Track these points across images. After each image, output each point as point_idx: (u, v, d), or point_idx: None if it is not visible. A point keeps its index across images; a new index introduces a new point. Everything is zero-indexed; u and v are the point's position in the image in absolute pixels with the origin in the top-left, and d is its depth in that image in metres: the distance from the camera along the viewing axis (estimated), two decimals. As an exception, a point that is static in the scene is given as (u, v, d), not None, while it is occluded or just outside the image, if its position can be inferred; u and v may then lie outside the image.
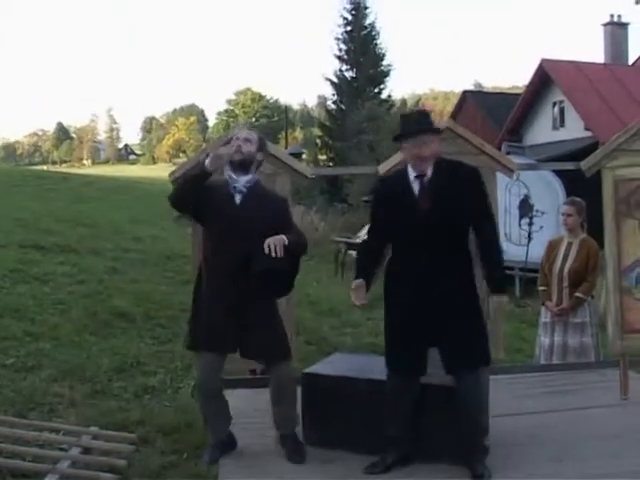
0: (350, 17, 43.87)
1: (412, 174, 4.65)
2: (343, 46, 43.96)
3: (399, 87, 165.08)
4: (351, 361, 5.71)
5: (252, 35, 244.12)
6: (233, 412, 5.79)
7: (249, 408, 6.01)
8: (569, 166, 6.74)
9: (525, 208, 17.32)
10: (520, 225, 17.07)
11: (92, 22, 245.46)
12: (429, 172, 4.62)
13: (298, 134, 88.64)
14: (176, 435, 5.30)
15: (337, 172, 27.94)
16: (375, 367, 5.34)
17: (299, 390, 5.30)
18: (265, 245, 4.56)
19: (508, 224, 17.16)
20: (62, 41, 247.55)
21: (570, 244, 7.07)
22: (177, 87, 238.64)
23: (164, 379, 6.87)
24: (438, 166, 4.63)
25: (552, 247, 7.25)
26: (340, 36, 44.08)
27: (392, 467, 4.80)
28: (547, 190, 17.43)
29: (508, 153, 19.75)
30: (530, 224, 16.68)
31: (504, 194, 17.45)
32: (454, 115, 36.54)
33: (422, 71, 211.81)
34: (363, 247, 5.09)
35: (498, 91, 52.76)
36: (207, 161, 4.66)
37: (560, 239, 7.28)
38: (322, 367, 5.54)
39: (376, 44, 44.04)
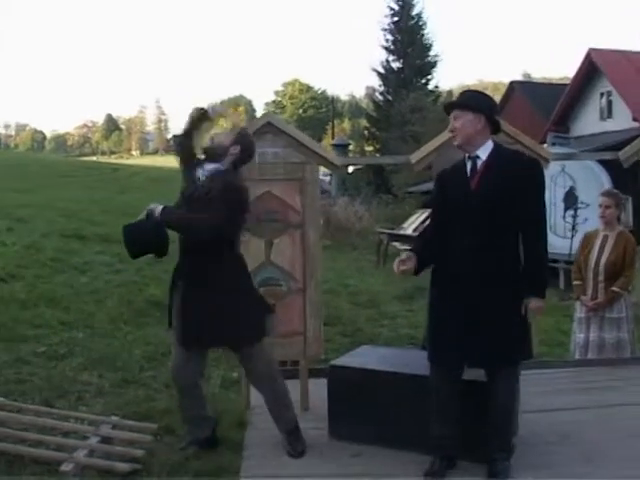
0: (397, 7, 43.65)
1: (466, 155, 4.56)
2: (390, 37, 43.79)
3: (447, 78, 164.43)
4: (378, 354, 5.60)
5: (300, 26, 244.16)
6: (256, 402, 5.78)
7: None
8: (607, 156, 6.59)
9: (570, 200, 17.01)
10: (565, 217, 16.77)
11: (140, 13, 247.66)
12: (483, 155, 4.47)
13: (346, 125, 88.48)
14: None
15: (365, 161, 27.64)
16: (402, 360, 5.27)
17: (326, 383, 5.27)
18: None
19: (553, 216, 16.88)
20: (111, 33, 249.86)
21: (606, 237, 6.89)
22: (225, 78, 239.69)
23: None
24: (495, 151, 4.48)
25: (587, 240, 7.07)
26: (387, 27, 43.93)
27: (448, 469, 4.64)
28: (593, 181, 17.11)
29: (553, 144, 19.48)
30: (574, 216, 16.38)
31: (550, 186, 17.20)
32: (501, 106, 36.11)
33: (471, 62, 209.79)
34: (420, 233, 5.05)
35: (547, 82, 52.06)
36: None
37: (596, 232, 7.09)
38: (349, 359, 5.46)
39: (423, 34, 43.76)
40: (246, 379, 5.57)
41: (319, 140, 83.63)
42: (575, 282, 7.14)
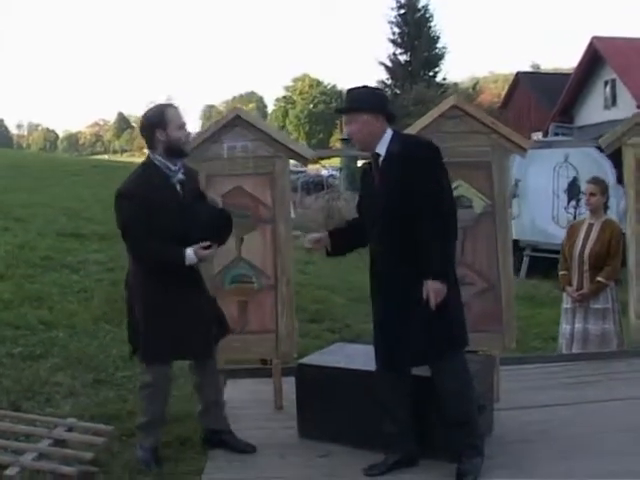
0: (403, 0, 43.42)
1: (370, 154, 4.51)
2: (397, 29, 43.66)
3: (457, 70, 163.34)
4: (350, 351, 5.48)
5: (308, 21, 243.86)
6: (232, 402, 5.70)
7: (249, 398, 5.92)
8: (590, 144, 6.44)
9: (574, 190, 16.87)
10: (567, 208, 16.62)
11: (151, 11, 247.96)
12: (382, 151, 4.38)
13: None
14: (168, 427, 5.12)
15: (338, 153, 27.41)
16: (372, 358, 5.14)
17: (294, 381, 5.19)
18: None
19: (556, 207, 16.78)
20: (122, 31, 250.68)
21: (591, 225, 6.76)
22: (236, 75, 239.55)
23: (172, 370, 6.65)
24: (392, 144, 4.37)
25: (573, 229, 6.95)
26: (393, 19, 43.76)
27: (394, 468, 4.54)
28: (596, 171, 16.93)
29: (556, 134, 19.30)
30: (576, 207, 16.24)
31: (552, 176, 17.07)
32: (507, 97, 35.95)
33: (481, 53, 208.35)
34: (353, 219, 4.91)
35: (557, 72, 51.70)
36: (192, 258, 4.48)
37: (582, 221, 6.98)
38: (317, 358, 5.36)
39: (430, 27, 43.60)
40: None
41: (330, 135, 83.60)
42: (561, 272, 7.03)
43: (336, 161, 36.18)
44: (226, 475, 4.58)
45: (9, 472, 3.91)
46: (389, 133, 4.39)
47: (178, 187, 4.61)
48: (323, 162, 55.71)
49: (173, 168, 4.60)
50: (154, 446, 4.75)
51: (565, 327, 6.95)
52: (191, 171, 4.85)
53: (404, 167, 4.24)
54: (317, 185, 33.35)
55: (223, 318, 4.97)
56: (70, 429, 4.53)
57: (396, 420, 4.55)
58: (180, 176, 4.63)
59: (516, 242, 18.34)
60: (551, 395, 5.84)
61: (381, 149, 4.37)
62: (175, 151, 4.60)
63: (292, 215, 7.42)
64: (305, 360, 5.33)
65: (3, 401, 5.46)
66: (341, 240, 4.64)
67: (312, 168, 51.34)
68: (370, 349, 4.79)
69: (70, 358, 6.74)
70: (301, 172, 42.99)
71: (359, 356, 5.22)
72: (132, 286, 4.72)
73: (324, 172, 40.45)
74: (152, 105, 4.80)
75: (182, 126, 4.64)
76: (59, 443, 4.32)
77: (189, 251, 4.46)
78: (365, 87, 4.57)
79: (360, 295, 11.27)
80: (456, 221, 4.36)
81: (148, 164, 4.66)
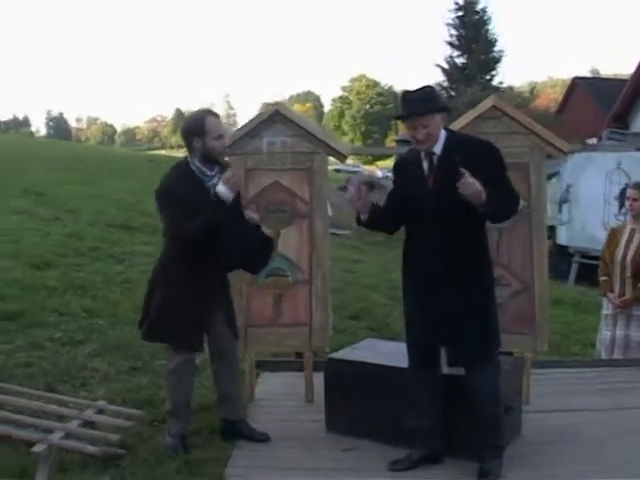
0: (462, 2, 43.24)
1: (422, 152, 4.43)
2: (454, 32, 43.48)
3: (516, 75, 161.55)
4: (380, 347, 5.52)
5: (367, 22, 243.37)
6: (264, 395, 5.77)
7: (281, 391, 5.97)
8: (627, 148, 6.35)
9: (625, 197, 16.60)
10: (618, 215, 16.36)
11: (212, 8, 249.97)
12: (438, 149, 4.37)
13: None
14: (197, 415, 5.20)
15: (373, 151, 27.23)
16: (403, 354, 5.16)
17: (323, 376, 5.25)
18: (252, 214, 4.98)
19: (607, 214, 16.52)
20: (183, 28, 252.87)
21: (633, 231, 6.69)
22: (294, 74, 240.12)
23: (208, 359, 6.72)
24: (449, 142, 4.37)
25: (614, 234, 6.88)
26: (451, 21, 43.58)
27: (418, 465, 4.56)
28: (648, 178, 16.71)
29: (610, 139, 19.00)
30: (627, 214, 15.96)
31: (604, 182, 16.82)
32: (563, 102, 35.50)
33: (541, 59, 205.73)
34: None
35: (617, 78, 50.92)
36: (225, 191, 4.57)
37: (623, 226, 6.90)
38: (347, 353, 5.39)
39: (488, 29, 43.37)
40: (250, 373, 5.58)
41: (385, 136, 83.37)
42: (602, 278, 6.94)
43: (391, 162, 36.11)
44: (251, 463, 4.63)
45: (36, 449, 4.04)
46: (443, 132, 4.41)
47: (213, 191, 4.67)
48: (378, 163, 55.85)
49: (209, 173, 4.71)
50: (182, 433, 4.84)
51: (605, 333, 6.86)
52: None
53: (466, 165, 4.17)
54: (370, 185, 33.28)
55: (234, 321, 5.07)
56: (100, 411, 4.64)
57: (426, 416, 4.57)
58: (216, 181, 4.70)
59: (565, 248, 18.16)
60: (584, 400, 5.78)
61: (437, 148, 4.36)
62: (210, 160, 4.71)
63: (329, 213, 7.45)
64: (334, 355, 5.37)
65: (40, 383, 5.59)
66: (375, 215, 4.55)
67: (368, 168, 51.37)
68: (400, 346, 4.82)
69: (108, 345, 6.87)
70: (357, 172, 43.03)
71: (388, 352, 5.25)
72: (157, 271, 4.84)
73: (379, 173, 40.40)
74: (195, 111, 4.92)
75: (219, 137, 4.73)
76: (88, 424, 4.44)
77: (219, 188, 4.58)
78: (430, 87, 4.55)
79: (398, 295, 11.28)
80: (516, 209, 4.45)
81: (184, 167, 4.78)
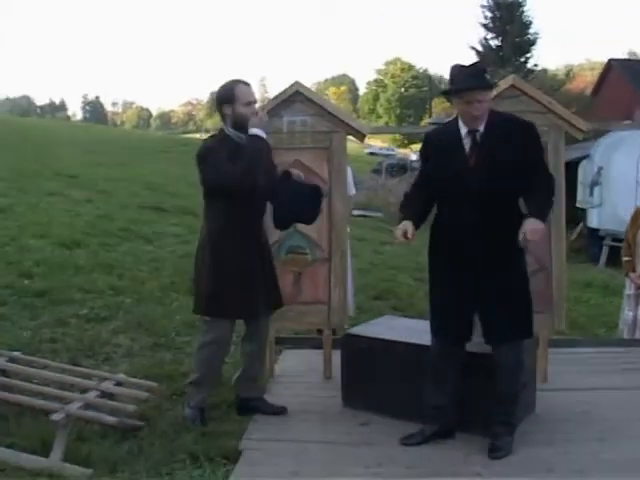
0: (496, -17, 42.79)
1: (464, 129, 4.37)
2: (489, 14, 43.07)
3: (552, 57, 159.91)
4: (396, 324, 5.56)
5: (400, 5, 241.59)
6: (284, 371, 5.86)
7: (300, 368, 6.05)
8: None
9: (661, 179, 16.51)
10: (650, 196, 16.22)
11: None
12: (481, 127, 4.34)
13: (448, 104, 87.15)
14: (216, 390, 5.28)
15: (393, 131, 26.99)
16: (419, 330, 5.20)
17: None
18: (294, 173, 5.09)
19: (638, 196, 16.38)
20: (217, 11, 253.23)
21: (657, 211, 6.65)
22: (329, 57, 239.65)
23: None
24: (491, 121, 4.34)
25: (638, 214, 6.83)
26: (486, 3, 43.19)
27: (430, 440, 4.61)
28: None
29: (643, 121, 18.85)
30: (660, 196, 15.85)
31: (636, 165, 16.70)
32: (598, 84, 35.09)
33: (578, 41, 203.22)
34: (405, 199, 4.73)
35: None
36: (259, 131, 4.77)
37: (647, 206, 6.85)
38: (363, 329, 5.44)
39: (523, 11, 42.86)
40: (270, 349, 5.66)
41: (419, 119, 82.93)
42: (625, 258, 6.91)
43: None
44: (266, 436, 4.70)
45: (54, 417, 4.16)
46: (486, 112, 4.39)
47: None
48: (412, 146, 55.59)
49: (244, 137, 4.81)
50: (201, 406, 4.93)
51: (628, 313, 6.86)
52: (261, 145, 4.94)
53: (507, 146, 4.23)
54: (401, 168, 33.26)
55: (278, 290, 5.13)
56: (119, 384, 4.75)
57: (446, 394, 4.60)
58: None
59: (596, 231, 18.05)
60: (603, 379, 5.78)
61: (480, 125, 4.36)
62: (240, 126, 4.81)
63: (353, 192, 7.51)
64: (351, 330, 5.43)
65: (64, 357, 5.73)
66: (419, 223, 4.55)
67: (402, 152, 51.17)
68: (416, 323, 4.86)
69: (133, 322, 6.99)
70: (391, 155, 42.92)
71: (404, 329, 5.30)
72: (201, 244, 4.94)
73: (413, 156, 40.35)
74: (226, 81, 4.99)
75: (249, 103, 4.86)
76: (106, 396, 4.55)
77: (252, 130, 4.77)
78: (481, 63, 4.60)
79: (425, 276, 11.29)
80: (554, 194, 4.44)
81: (220, 133, 4.91)
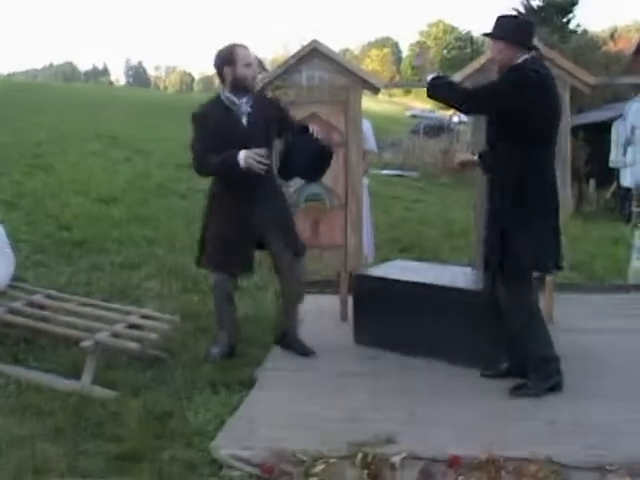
0: (539, -59, 42.05)
1: None
2: (530, -26, 42.32)
3: (598, 18, 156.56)
4: (406, 266, 5.88)
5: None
6: (302, 314, 6.16)
7: (318, 310, 6.33)
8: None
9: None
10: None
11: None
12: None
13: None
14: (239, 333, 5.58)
15: (408, 85, 26.49)
16: (429, 273, 5.50)
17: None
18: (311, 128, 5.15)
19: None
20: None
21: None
22: (372, 20, 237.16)
23: (256, 281, 7.06)
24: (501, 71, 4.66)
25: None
26: (527, -38, 42.45)
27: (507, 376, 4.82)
28: None
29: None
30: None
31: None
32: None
33: (625, 2, 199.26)
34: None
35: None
36: (242, 161, 4.83)
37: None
38: (374, 270, 5.77)
39: (565, -30, 42.02)
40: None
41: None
42: (636, 209, 7.12)
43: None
44: (281, 365, 5.10)
45: (84, 344, 4.58)
46: (517, 63, 4.59)
47: (244, 119, 5.07)
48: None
49: (237, 102, 5.06)
50: (224, 342, 5.29)
51: (637, 262, 7.07)
52: (265, 103, 5.29)
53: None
54: (439, 129, 33.17)
55: (296, 237, 5.32)
56: (145, 317, 5.15)
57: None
58: (246, 108, 5.08)
59: (629, 190, 17.99)
60: (608, 322, 6.03)
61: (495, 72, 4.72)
62: (240, 87, 5.06)
63: (374, 148, 7.82)
64: (361, 271, 5.75)
65: (97, 298, 6.11)
66: None
67: (443, 114, 50.80)
68: (433, 267, 5.13)
69: (164, 269, 7.38)
70: (431, 117, 42.60)
71: (413, 270, 5.64)
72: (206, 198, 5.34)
73: (455, 118, 40.06)
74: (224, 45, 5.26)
75: (249, 64, 5.09)
76: (133, 327, 4.95)
77: (241, 154, 4.86)
78: (513, 17, 5.04)
79: (453, 230, 11.54)
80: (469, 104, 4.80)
81: (216, 97, 5.19)
